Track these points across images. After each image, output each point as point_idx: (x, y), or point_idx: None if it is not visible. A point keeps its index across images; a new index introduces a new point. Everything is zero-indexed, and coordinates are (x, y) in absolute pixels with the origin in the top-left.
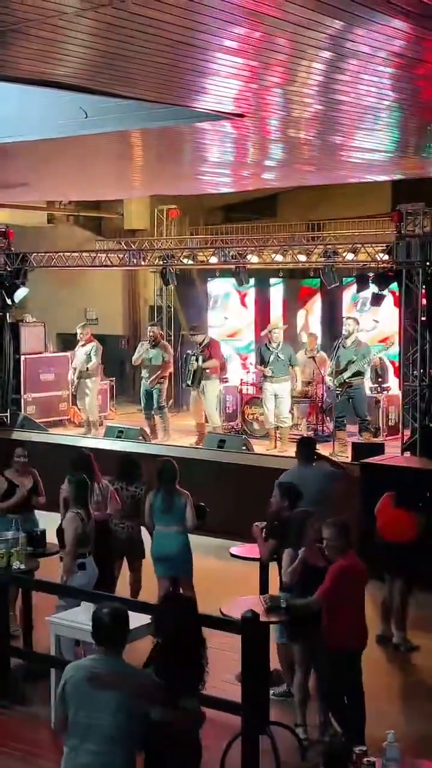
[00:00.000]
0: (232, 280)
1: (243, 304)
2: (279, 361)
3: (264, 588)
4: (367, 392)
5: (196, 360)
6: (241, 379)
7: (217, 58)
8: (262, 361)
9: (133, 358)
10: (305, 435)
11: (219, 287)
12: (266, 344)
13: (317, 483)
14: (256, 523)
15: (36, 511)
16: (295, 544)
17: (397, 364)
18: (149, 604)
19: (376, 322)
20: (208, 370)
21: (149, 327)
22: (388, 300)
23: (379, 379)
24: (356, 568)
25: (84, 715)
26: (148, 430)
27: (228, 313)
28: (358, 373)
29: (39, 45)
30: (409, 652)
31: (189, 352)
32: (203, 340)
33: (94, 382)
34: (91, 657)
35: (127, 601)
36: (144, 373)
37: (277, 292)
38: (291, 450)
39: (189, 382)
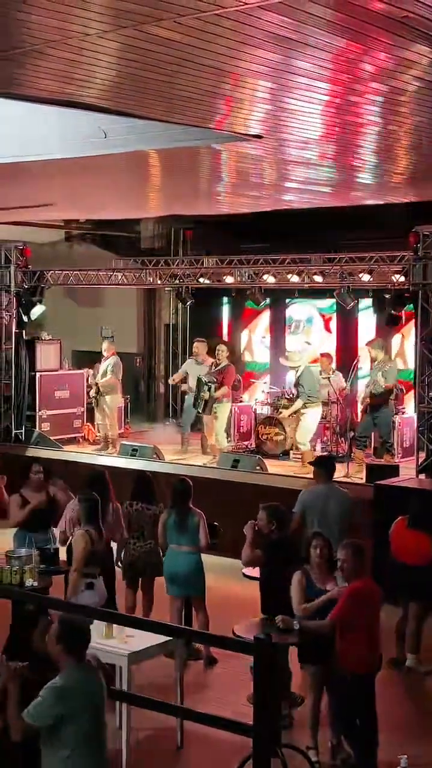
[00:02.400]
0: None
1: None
2: (300, 386)
3: None
4: None
5: (209, 390)
6: (256, 399)
7: (236, 81)
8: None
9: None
10: (323, 454)
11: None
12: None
13: (341, 503)
14: (252, 521)
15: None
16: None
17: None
18: (162, 623)
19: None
20: (217, 399)
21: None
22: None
23: (395, 401)
24: (371, 591)
25: (84, 724)
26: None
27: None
28: (384, 394)
29: (60, 66)
30: (423, 676)
31: (202, 378)
32: (222, 362)
33: (113, 399)
34: (69, 671)
35: (140, 621)
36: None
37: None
38: (297, 471)
39: (200, 411)
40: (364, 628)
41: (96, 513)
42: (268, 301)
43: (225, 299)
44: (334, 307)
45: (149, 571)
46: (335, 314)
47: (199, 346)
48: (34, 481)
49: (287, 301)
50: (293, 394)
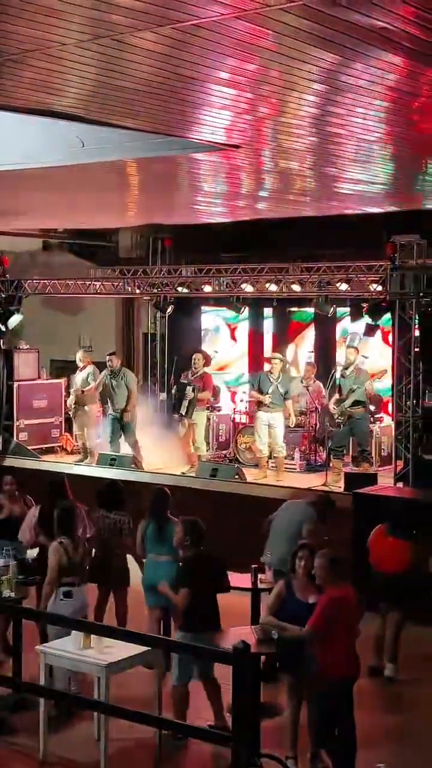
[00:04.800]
0: (224, 313)
1: (233, 337)
2: (277, 392)
3: (255, 618)
4: None
5: (193, 390)
6: (234, 408)
7: (213, 90)
8: (261, 390)
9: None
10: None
11: (210, 320)
12: (268, 374)
13: (294, 515)
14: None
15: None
16: (288, 576)
17: (386, 399)
18: (139, 634)
19: (365, 358)
20: (200, 401)
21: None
22: (378, 335)
23: (372, 409)
24: (348, 599)
25: None
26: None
27: (218, 346)
28: (359, 402)
29: (38, 75)
30: (402, 684)
31: (183, 381)
32: (200, 370)
33: (91, 408)
34: None
35: (118, 631)
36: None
37: (268, 325)
38: (287, 480)
39: (183, 413)
40: (342, 635)
41: (72, 522)
42: (246, 313)
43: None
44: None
45: (117, 581)
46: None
47: (113, 358)
48: (7, 491)
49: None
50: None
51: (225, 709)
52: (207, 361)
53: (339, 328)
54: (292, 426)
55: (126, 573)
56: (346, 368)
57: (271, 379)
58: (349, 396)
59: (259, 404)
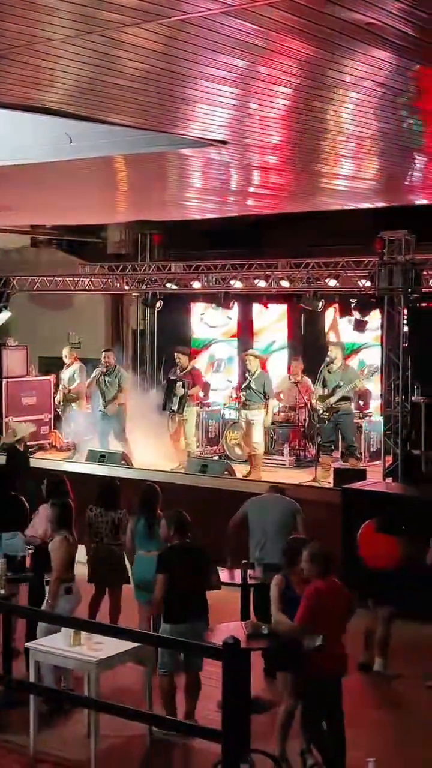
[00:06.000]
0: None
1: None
2: (251, 389)
3: (245, 614)
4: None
5: (183, 387)
6: (224, 404)
7: (201, 86)
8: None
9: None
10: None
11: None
12: (246, 369)
13: (281, 512)
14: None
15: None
16: (286, 571)
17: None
18: (129, 630)
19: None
20: (190, 397)
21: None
22: None
23: (361, 403)
24: (334, 592)
25: None
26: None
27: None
28: (345, 398)
29: (26, 71)
30: (391, 679)
31: (172, 377)
32: (188, 366)
33: (79, 405)
34: None
35: (109, 627)
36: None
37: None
38: (276, 476)
39: (174, 408)
40: (328, 629)
41: (70, 518)
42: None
43: None
44: None
45: (114, 579)
46: None
47: (109, 355)
48: None
49: None
50: (243, 397)
51: (197, 710)
52: (191, 357)
53: (328, 316)
54: (267, 425)
55: (124, 571)
56: (331, 363)
57: (247, 376)
58: (335, 392)
59: (242, 401)
